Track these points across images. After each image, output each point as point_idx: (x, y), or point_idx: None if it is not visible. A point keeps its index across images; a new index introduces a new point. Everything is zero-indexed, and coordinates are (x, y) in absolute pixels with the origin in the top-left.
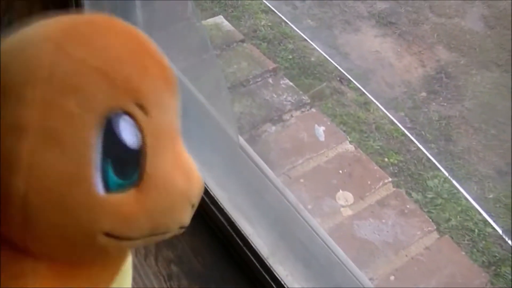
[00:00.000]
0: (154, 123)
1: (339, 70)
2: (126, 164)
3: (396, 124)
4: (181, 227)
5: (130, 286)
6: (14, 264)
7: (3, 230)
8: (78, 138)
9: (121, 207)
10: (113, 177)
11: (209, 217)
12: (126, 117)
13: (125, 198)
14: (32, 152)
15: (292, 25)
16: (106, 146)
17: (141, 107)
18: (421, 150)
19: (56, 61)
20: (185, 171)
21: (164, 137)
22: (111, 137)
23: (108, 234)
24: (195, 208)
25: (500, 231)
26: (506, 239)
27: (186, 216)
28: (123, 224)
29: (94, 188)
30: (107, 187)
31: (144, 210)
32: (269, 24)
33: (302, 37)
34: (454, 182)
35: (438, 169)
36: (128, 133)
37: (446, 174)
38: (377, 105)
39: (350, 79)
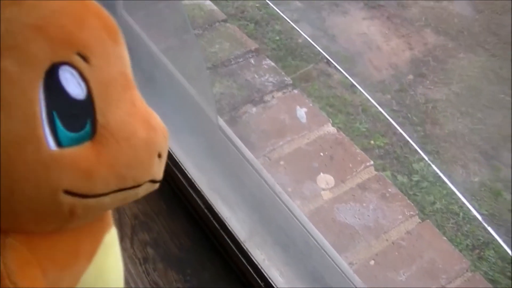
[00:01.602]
0: (99, 72)
1: (326, 52)
2: (74, 116)
3: (383, 106)
4: (153, 181)
5: (119, 261)
6: None
7: None
8: (20, 97)
9: (78, 161)
10: (63, 130)
11: (187, 200)
12: (67, 67)
13: (81, 152)
14: None
15: (275, 8)
16: (51, 99)
17: (83, 56)
18: (406, 133)
19: None
20: (145, 119)
21: (114, 86)
22: (54, 90)
23: (69, 192)
24: (163, 159)
25: (480, 218)
26: (485, 225)
27: (154, 167)
28: (83, 179)
29: (45, 145)
30: (59, 142)
31: (104, 162)
32: (257, 5)
33: (289, 18)
34: (435, 168)
35: (424, 152)
36: (71, 84)
37: (427, 159)
38: (363, 87)
39: (335, 62)
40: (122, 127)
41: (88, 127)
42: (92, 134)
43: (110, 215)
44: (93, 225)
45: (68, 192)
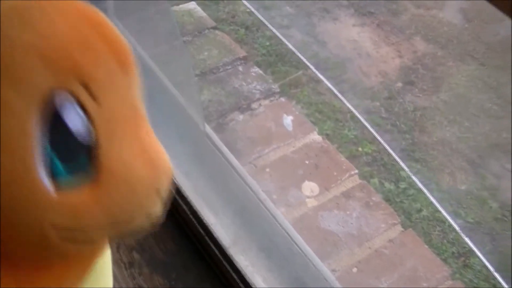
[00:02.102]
0: (106, 108)
1: (316, 58)
2: (74, 153)
3: (372, 113)
4: (151, 217)
5: (110, 283)
6: None
7: None
8: (16, 128)
9: (75, 205)
10: (61, 170)
11: (172, 205)
12: (68, 98)
13: (79, 196)
14: None
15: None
16: (51, 136)
17: (87, 88)
18: (394, 141)
19: None
20: (149, 157)
21: (120, 122)
22: (55, 126)
23: (59, 228)
24: (163, 196)
25: (457, 228)
26: (463, 236)
27: (153, 205)
28: (76, 221)
29: (41, 184)
30: (56, 182)
31: (100, 203)
32: (248, 10)
33: (280, 24)
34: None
35: (411, 160)
36: (72, 117)
37: (407, 170)
38: (352, 94)
39: (327, 67)
40: (124, 169)
41: (87, 167)
42: (92, 175)
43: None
44: (84, 252)
45: (57, 228)
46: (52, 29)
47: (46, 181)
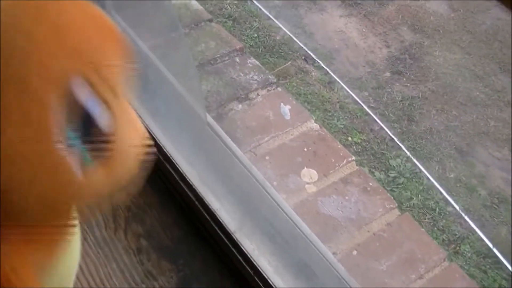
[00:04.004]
0: (113, 88)
1: (304, 49)
2: (94, 136)
3: (360, 103)
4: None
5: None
6: None
7: None
8: (42, 113)
9: (95, 183)
10: (84, 152)
11: (178, 193)
12: (86, 86)
13: (96, 173)
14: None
15: (257, 3)
16: (73, 120)
17: (99, 74)
18: (384, 129)
19: (7, 36)
20: (137, 127)
21: (122, 100)
22: (75, 109)
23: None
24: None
25: (458, 208)
26: (466, 218)
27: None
28: (95, 197)
29: (67, 165)
30: (81, 164)
31: (112, 179)
32: (235, 2)
33: (267, 15)
34: (416, 161)
35: (401, 148)
36: (91, 103)
37: (408, 153)
38: (341, 84)
39: (314, 58)
40: (128, 146)
41: (102, 146)
42: (105, 153)
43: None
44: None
45: (80, 204)
46: (68, 21)
47: (72, 162)
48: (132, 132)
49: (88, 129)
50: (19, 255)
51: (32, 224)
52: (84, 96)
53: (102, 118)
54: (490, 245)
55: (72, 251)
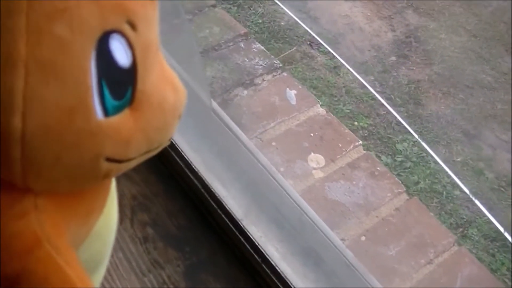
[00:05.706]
0: (142, 38)
1: (309, 34)
2: (121, 83)
3: (366, 88)
4: (169, 140)
5: (116, 205)
6: (15, 204)
7: (2, 172)
8: (73, 65)
9: (120, 129)
10: (110, 99)
11: (183, 180)
12: (118, 36)
13: (123, 119)
14: (26, 86)
15: None
16: (101, 68)
17: (131, 24)
18: (390, 113)
19: None
20: (172, 82)
21: (150, 51)
22: (104, 59)
23: (109, 159)
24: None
25: (467, 191)
26: (476, 201)
27: (175, 129)
28: (124, 146)
29: (94, 114)
30: (105, 111)
31: (140, 128)
32: None
33: (272, 1)
34: (425, 144)
35: (407, 132)
36: (120, 52)
37: (416, 136)
38: (347, 69)
39: (320, 43)
40: (156, 92)
41: (128, 94)
42: (131, 101)
43: None
44: (106, 181)
45: (107, 159)
46: None
47: (99, 111)
48: (167, 86)
49: (109, 68)
50: (54, 226)
51: (65, 188)
52: (112, 44)
53: (121, 52)
54: (501, 228)
55: (108, 224)
